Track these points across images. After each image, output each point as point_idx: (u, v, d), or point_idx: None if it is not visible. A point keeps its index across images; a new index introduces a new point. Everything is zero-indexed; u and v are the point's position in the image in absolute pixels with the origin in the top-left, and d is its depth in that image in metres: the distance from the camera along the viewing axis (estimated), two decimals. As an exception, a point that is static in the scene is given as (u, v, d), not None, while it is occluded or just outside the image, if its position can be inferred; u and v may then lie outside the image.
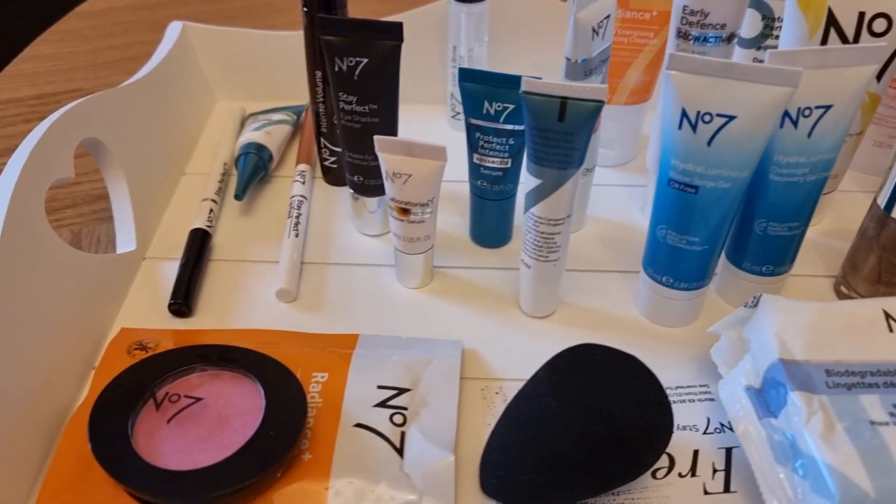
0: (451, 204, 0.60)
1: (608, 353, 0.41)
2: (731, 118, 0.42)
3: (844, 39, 0.49)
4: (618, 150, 0.63)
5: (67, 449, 0.41)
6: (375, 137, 0.47)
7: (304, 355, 0.46)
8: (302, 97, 0.70)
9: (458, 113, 0.66)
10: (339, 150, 0.59)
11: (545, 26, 0.67)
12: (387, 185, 0.48)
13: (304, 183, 0.59)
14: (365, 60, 0.48)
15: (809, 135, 0.44)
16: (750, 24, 0.58)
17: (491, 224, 0.55)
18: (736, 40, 0.50)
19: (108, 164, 0.53)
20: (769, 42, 0.58)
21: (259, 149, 0.60)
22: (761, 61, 0.59)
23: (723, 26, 0.49)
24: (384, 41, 0.48)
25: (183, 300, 0.50)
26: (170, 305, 0.50)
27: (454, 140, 0.66)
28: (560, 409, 0.38)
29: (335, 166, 0.60)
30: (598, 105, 0.42)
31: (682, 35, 0.50)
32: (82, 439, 0.41)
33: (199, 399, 0.42)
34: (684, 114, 0.43)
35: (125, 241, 0.54)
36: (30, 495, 0.40)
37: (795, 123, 0.44)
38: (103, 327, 0.49)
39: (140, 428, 0.41)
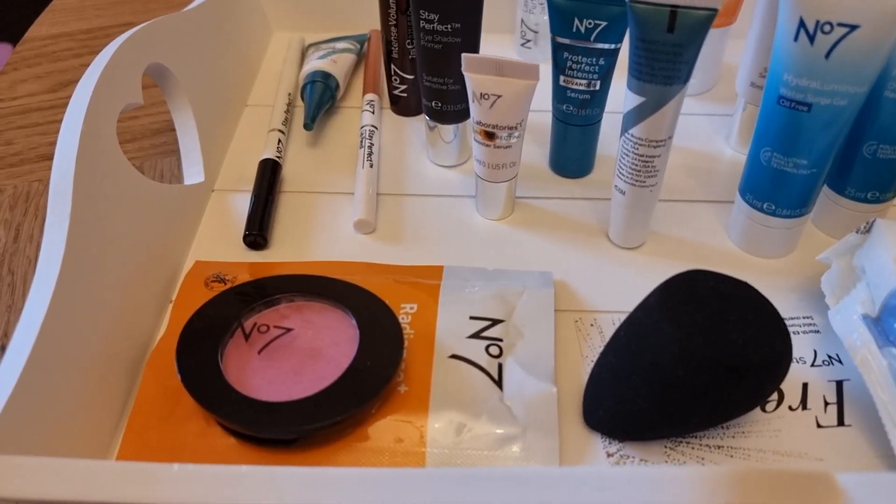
0: (528, 133, 0.57)
1: (720, 280, 0.39)
2: (854, 28, 0.39)
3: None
4: (698, 77, 0.60)
5: (152, 382, 0.40)
6: (464, 56, 0.44)
7: (390, 286, 0.45)
8: (363, 26, 0.67)
9: (529, 41, 0.63)
10: (410, 77, 0.57)
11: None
12: (473, 107, 0.46)
13: (373, 113, 0.56)
14: (452, -28, 0.45)
15: (934, 46, 0.41)
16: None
17: (574, 152, 0.52)
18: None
19: (174, 92, 0.51)
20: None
21: (325, 77, 0.57)
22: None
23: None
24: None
25: (258, 231, 0.48)
26: (245, 237, 0.48)
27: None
28: (676, 336, 0.36)
29: (405, 95, 0.58)
30: (711, 14, 0.39)
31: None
32: (167, 372, 0.39)
33: (289, 330, 0.40)
34: (802, 24, 0.40)
35: (193, 173, 0.52)
36: (116, 431, 0.39)
37: (920, 34, 0.41)
38: (177, 260, 0.48)
39: (230, 359, 0.39)
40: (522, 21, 0.62)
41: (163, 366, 0.40)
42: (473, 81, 0.45)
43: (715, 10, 0.39)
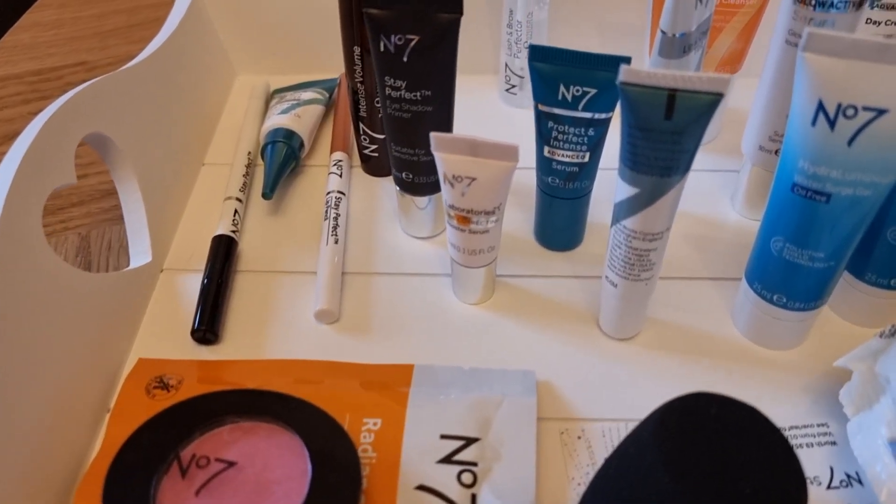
0: (512, 196, 0.52)
1: (725, 406, 0.33)
2: (882, 112, 0.33)
3: None
4: (702, 128, 0.55)
5: (81, 514, 0.35)
6: (432, 135, 0.39)
7: (353, 396, 0.40)
8: (335, 69, 0.62)
9: (514, 86, 0.57)
10: (381, 136, 0.51)
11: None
12: (444, 189, 0.40)
13: (340, 175, 0.51)
14: (416, 38, 0.40)
15: (972, 127, 0.36)
16: (867, -22, 0.48)
17: (561, 225, 0.47)
18: (868, 3, 0.41)
19: (117, 163, 0.46)
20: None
21: (288, 136, 0.52)
22: (876, 23, 0.50)
23: (855, -12, 0.40)
24: (440, 14, 0.40)
25: (208, 326, 0.43)
26: (193, 333, 0.43)
27: (509, 118, 0.58)
28: (676, 488, 0.31)
29: (376, 155, 0.52)
30: (715, 99, 0.33)
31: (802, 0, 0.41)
32: (97, 507, 0.34)
33: (232, 463, 0.35)
34: (821, 107, 0.34)
35: (139, 252, 0.47)
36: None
37: (956, 115, 0.36)
38: (118, 358, 0.43)
39: (164, 499, 0.34)
40: (507, 65, 0.56)
41: (94, 495, 0.35)
42: (445, 162, 0.39)
43: (720, 95, 0.33)
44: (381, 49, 0.41)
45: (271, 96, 0.59)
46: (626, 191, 0.37)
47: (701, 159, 0.55)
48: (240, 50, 0.61)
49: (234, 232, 0.48)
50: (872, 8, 0.49)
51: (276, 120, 0.52)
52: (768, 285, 0.41)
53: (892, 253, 0.41)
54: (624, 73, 0.33)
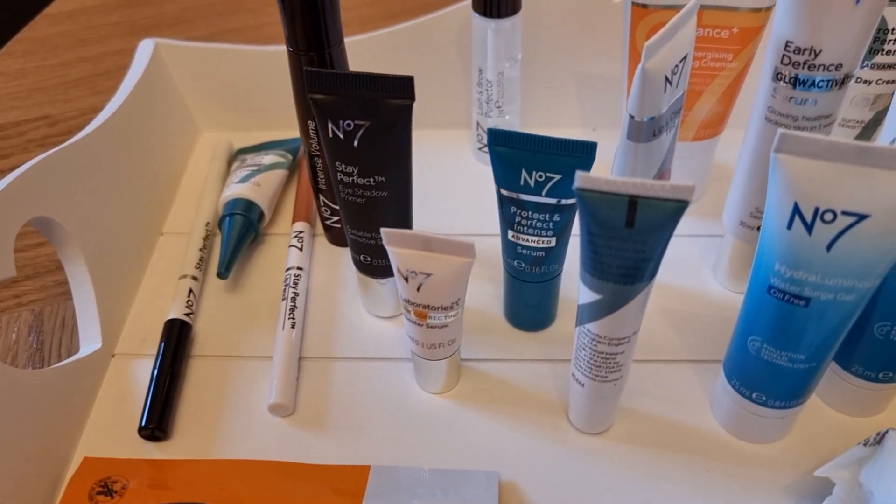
0: (481, 268, 0.49)
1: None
2: (862, 217, 0.31)
3: None
4: (683, 191, 0.52)
5: None
6: (383, 231, 0.36)
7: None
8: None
9: (486, 145, 0.54)
10: (341, 208, 0.49)
11: (591, 29, 0.54)
12: (399, 283, 0.38)
13: (301, 249, 0.49)
14: (366, 124, 0.37)
15: (962, 226, 0.33)
16: (856, 37, 0.45)
17: (530, 306, 0.45)
18: (851, 81, 0.38)
19: (64, 245, 0.44)
20: (879, 59, 0.46)
21: (247, 207, 0.49)
22: (866, 82, 0.47)
23: (838, 67, 0.37)
24: (390, 100, 0.37)
25: (156, 424, 0.41)
26: (141, 430, 0.41)
27: (482, 177, 0.56)
28: None
29: (338, 225, 0.50)
30: (680, 206, 0.31)
31: (781, 77, 0.38)
32: None
33: None
34: (797, 210, 0.32)
35: (89, 338, 0.44)
36: None
37: (945, 214, 0.33)
38: (62, 458, 0.40)
39: None
40: (478, 124, 0.53)
41: None
42: (398, 257, 0.37)
43: (685, 203, 0.31)
44: (330, 135, 0.38)
45: (234, 156, 0.56)
46: (588, 295, 0.34)
47: (683, 223, 0.52)
48: (203, 107, 0.59)
49: (188, 314, 0.46)
50: (863, 67, 0.46)
51: (235, 189, 0.50)
52: (746, 383, 0.38)
53: (880, 347, 0.38)
54: (580, 180, 0.31)
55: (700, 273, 0.49)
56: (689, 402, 0.42)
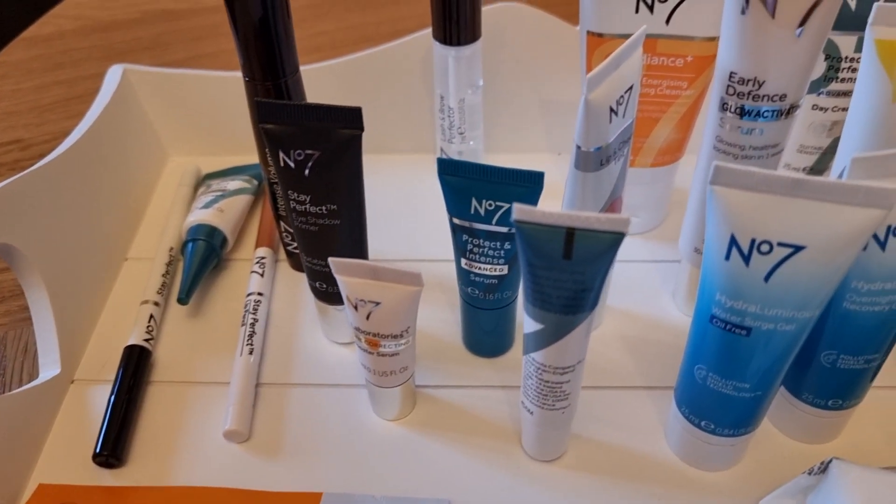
0: (440, 294, 0.49)
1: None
2: (798, 249, 0.31)
3: (940, 102, 0.37)
4: (643, 216, 0.52)
5: None
6: (331, 260, 0.37)
7: (252, 534, 0.37)
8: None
9: (451, 171, 0.55)
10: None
11: (553, 55, 0.55)
12: (349, 312, 0.38)
13: (262, 275, 0.49)
14: (317, 154, 0.38)
15: (901, 257, 0.33)
16: (811, 65, 0.46)
17: (486, 333, 0.45)
18: (797, 112, 0.38)
19: (24, 271, 0.44)
20: (833, 86, 0.46)
21: (210, 233, 0.49)
22: (823, 109, 0.47)
23: (782, 97, 0.37)
24: (340, 130, 0.37)
25: (111, 451, 0.41)
26: (95, 457, 0.41)
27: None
28: None
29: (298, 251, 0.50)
30: (617, 237, 0.31)
31: (727, 107, 0.38)
32: None
33: None
34: (734, 241, 0.32)
35: (48, 363, 0.44)
36: None
37: (883, 245, 0.33)
38: (17, 484, 0.40)
39: None
40: (442, 150, 0.54)
41: None
42: (346, 286, 0.37)
43: (621, 234, 0.31)
44: (282, 164, 0.38)
45: (201, 182, 0.57)
46: (532, 325, 0.34)
47: (644, 248, 0.53)
48: (172, 132, 0.59)
49: (147, 340, 0.46)
50: (819, 95, 0.47)
51: (198, 215, 0.50)
52: (695, 411, 0.38)
53: (827, 375, 0.38)
54: (517, 212, 0.31)
55: (660, 298, 0.49)
56: (643, 429, 0.42)
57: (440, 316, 0.48)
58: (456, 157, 0.54)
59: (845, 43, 0.45)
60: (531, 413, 0.38)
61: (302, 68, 0.54)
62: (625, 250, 0.51)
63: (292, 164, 0.38)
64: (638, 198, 0.51)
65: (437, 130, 0.53)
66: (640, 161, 0.49)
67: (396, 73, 0.56)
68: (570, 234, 0.31)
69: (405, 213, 0.56)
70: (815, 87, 0.47)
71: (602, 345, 0.46)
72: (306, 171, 0.38)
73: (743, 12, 0.35)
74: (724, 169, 0.31)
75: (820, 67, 0.46)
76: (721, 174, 0.31)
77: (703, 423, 0.38)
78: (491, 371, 0.45)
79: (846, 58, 0.45)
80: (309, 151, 0.38)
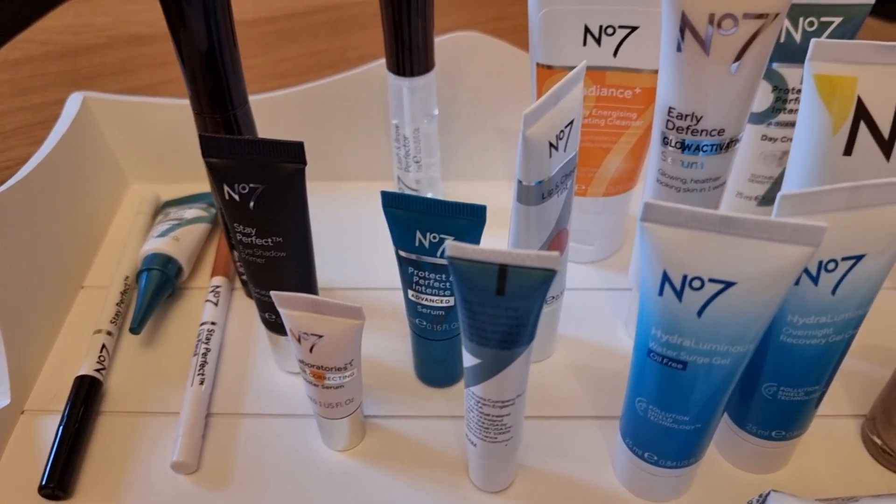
0: (394, 322, 0.49)
1: None
2: (729, 284, 0.31)
3: (878, 136, 0.38)
4: (597, 244, 0.53)
5: None
6: (273, 294, 0.37)
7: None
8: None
9: (409, 199, 0.55)
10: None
11: (507, 85, 0.55)
12: (293, 345, 0.38)
13: (216, 304, 0.49)
14: (261, 187, 0.38)
15: (834, 292, 0.34)
16: (759, 97, 0.47)
17: (436, 363, 0.45)
18: (736, 146, 0.39)
19: (-28, 300, 0.44)
20: (782, 117, 0.47)
21: (164, 263, 0.49)
22: (772, 140, 0.48)
23: (721, 132, 0.38)
24: (283, 164, 0.38)
25: (57, 483, 0.40)
26: (41, 489, 0.41)
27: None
28: None
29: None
30: (548, 274, 0.31)
31: (668, 141, 0.39)
32: None
33: None
34: (666, 277, 0.32)
35: (-2, 393, 0.44)
36: None
37: (816, 280, 0.34)
38: (-41, 518, 0.40)
39: None
40: (399, 178, 0.54)
41: None
42: (289, 319, 0.37)
43: (552, 271, 0.31)
44: (227, 197, 0.39)
45: (160, 209, 0.57)
46: (470, 359, 0.35)
47: (597, 276, 0.53)
48: (132, 159, 0.59)
49: (99, 370, 0.46)
50: (770, 125, 0.48)
51: (154, 244, 0.50)
52: (638, 443, 0.38)
53: (769, 406, 0.38)
54: (450, 249, 0.31)
55: (613, 327, 0.49)
56: (592, 459, 0.42)
57: (392, 345, 0.48)
58: (414, 185, 0.54)
59: (792, 75, 0.46)
60: (475, 445, 0.38)
61: (261, 96, 0.55)
62: (579, 279, 0.52)
63: (237, 198, 0.38)
64: (592, 227, 0.51)
65: (394, 159, 0.53)
66: (592, 191, 0.49)
67: (355, 102, 0.56)
68: (503, 270, 0.31)
69: (362, 241, 0.56)
70: (764, 117, 0.47)
71: (553, 374, 0.47)
72: (251, 205, 0.39)
73: (679, 49, 0.36)
74: (654, 206, 0.31)
75: (768, 99, 0.47)
76: (651, 211, 0.31)
77: (646, 455, 0.38)
78: (442, 401, 0.45)
79: (793, 89, 0.46)
80: (253, 185, 0.38)
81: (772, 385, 0.37)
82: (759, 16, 0.34)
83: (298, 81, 0.57)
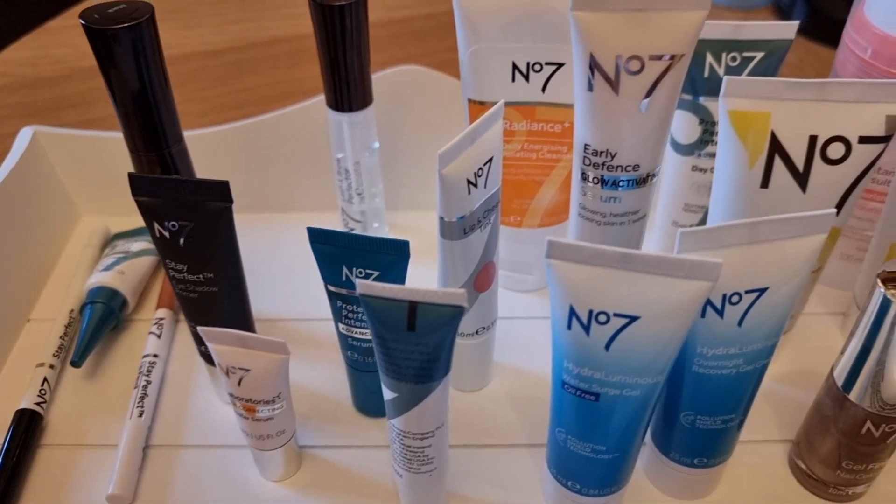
0: (333, 353, 0.50)
1: None
2: (634, 319, 0.32)
3: (793, 168, 0.39)
4: (536, 274, 0.54)
5: None
6: (200, 329, 0.38)
7: None
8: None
9: (352, 230, 0.56)
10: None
11: (452, 112, 0.56)
12: (223, 379, 0.39)
13: (160, 336, 0.50)
14: (190, 224, 0.39)
15: (740, 323, 0.35)
16: (687, 129, 0.48)
17: (371, 394, 0.46)
18: (653, 179, 0.40)
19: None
20: (710, 149, 0.48)
21: (109, 296, 0.50)
22: (703, 170, 0.49)
23: (636, 167, 0.39)
24: (210, 202, 0.39)
25: (-12, 518, 0.41)
26: (-27, 525, 0.41)
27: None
28: None
29: (193, 314, 0.51)
30: (457, 311, 0.32)
31: (586, 177, 0.40)
32: None
33: None
34: (573, 312, 0.33)
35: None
36: None
37: (721, 312, 0.35)
38: None
39: None
40: (343, 209, 0.55)
41: None
42: (217, 353, 0.38)
43: (461, 308, 0.32)
44: (157, 234, 0.39)
45: (109, 242, 0.58)
46: (388, 393, 0.35)
47: (538, 304, 0.54)
48: (83, 192, 0.60)
49: (39, 403, 0.46)
50: (700, 156, 0.49)
51: (98, 277, 0.51)
52: (562, 472, 0.39)
53: (689, 435, 0.39)
54: (361, 287, 0.32)
55: (550, 356, 0.50)
56: (523, 487, 0.43)
57: (331, 376, 0.49)
58: (358, 216, 0.55)
59: (717, 108, 0.47)
60: (401, 476, 0.39)
61: (208, 129, 0.56)
62: (519, 307, 0.53)
63: (167, 235, 0.39)
64: (528, 257, 0.52)
65: (337, 190, 0.54)
66: (527, 222, 0.50)
67: (303, 134, 0.57)
68: (413, 307, 0.32)
69: (307, 272, 0.56)
70: (693, 148, 0.49)
71: (489, 402, 0.47)
72: (181, 241, 0.39)
73: (590, 88, 0.37)
74: (557, 244, 0.32)
75: (696, 131, 0.48)
76: (555, 248, 0.32)
77: (570, 483, 0.39)
78: (378, 431, 0.46)
79: (717, 122, 0.47)
80: (182, 223, 0.39)
81: (689, 413, 0.38)
82: (665, 57, 0.36)
83: (256, 112, 0.58)
